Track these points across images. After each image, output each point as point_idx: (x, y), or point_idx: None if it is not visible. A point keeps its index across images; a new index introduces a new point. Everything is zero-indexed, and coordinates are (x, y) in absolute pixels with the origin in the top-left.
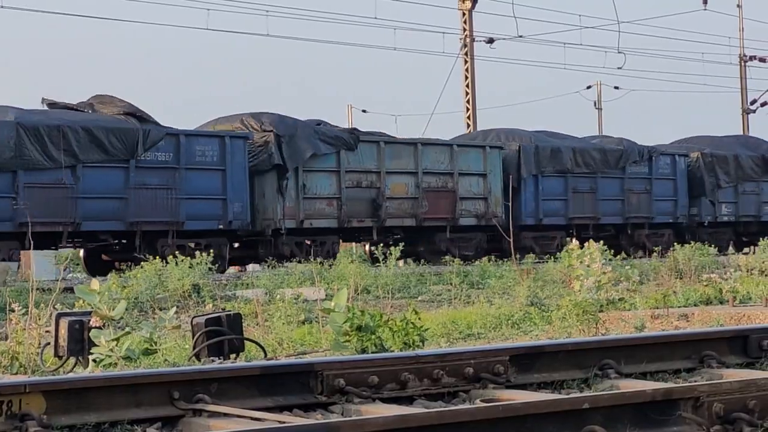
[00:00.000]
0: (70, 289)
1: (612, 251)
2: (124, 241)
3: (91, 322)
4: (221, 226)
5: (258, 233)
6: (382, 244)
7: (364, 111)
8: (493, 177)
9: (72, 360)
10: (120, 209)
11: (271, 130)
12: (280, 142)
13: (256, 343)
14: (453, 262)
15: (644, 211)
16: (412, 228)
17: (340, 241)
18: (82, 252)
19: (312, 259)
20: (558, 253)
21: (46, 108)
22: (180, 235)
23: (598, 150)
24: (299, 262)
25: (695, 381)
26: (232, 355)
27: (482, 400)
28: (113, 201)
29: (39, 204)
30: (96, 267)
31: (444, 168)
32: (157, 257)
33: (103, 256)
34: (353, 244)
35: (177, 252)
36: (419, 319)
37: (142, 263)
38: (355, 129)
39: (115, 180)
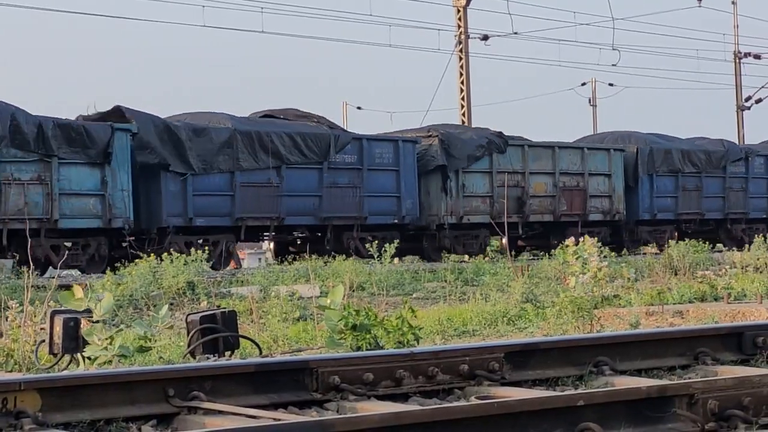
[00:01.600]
0: (66, 287)
1: (711, 245)
2: (318, 234)
3: (83, 325)
4: (396, 221)
5: (423, 228)
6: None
7: (359, 108)
8: (616, 177)
9: (67, 357)
10: (315, 206)
11: (437, 136)
12: (444, 146)
13: (251, 340)
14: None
15: (741, 207)
16: (550, 223)
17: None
18: (272, 244)
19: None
20: (668, 245)
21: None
22: (362, 229)
23: (703, 151)
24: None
25: (690, 378)
26: (227, 353)
27: (477, 397)
28: (309, 198)
29: (251, 201)
30: (284, 258)
31: (576, 169)
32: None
33: (291, 248)
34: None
35: (359, 244)
36: (415, 317)
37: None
38: (502, 133)
39: (311, 180)
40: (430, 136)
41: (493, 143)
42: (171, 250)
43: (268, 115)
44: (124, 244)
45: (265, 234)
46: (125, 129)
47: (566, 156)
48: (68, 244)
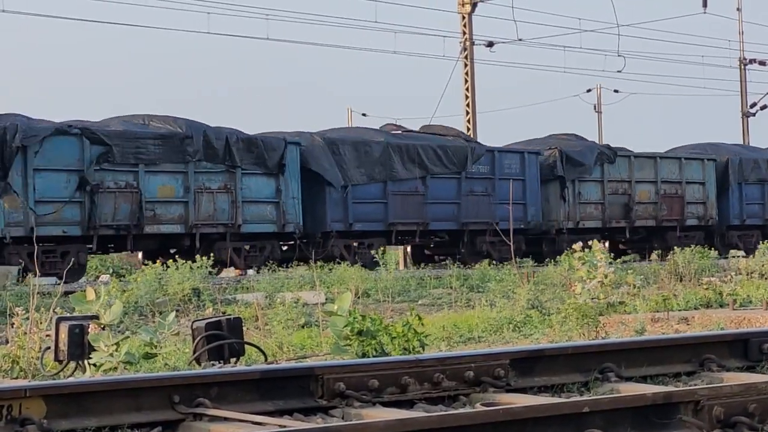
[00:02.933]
0: (72, 293)
1: None
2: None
3: (89, 329)
4: (523, 226)
5: (544, 232)
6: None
7: (364, 114)
8: (709, 184)
9: (72, 364)
10: (454, 212)
11: (557, 148)
12: (562, 158)
13: (257, 347)
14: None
15: None
16: (652, 228)
17: (602, 239)
18: (408, 247)
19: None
20: (757, 248)
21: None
22: (493, 233)
23: None
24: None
25: (695, 384)
26: (233, 359)
27: (483, 404)
28: (450, 205)
29: (401, 208)
30: (420, 259)
31: (675, 177)
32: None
33: (426, 251)
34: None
35: (490, 247)
36: (422, 324)
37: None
38: (609, 145)
39: (451, 188)
40: (550, 148)
41: (604, 154)
42: (333, 251)
43: (407, 129)
44: (285, 247)
45: (407, 237)
46: (295, 143)
47: (666, 166)
48: (247, 247)
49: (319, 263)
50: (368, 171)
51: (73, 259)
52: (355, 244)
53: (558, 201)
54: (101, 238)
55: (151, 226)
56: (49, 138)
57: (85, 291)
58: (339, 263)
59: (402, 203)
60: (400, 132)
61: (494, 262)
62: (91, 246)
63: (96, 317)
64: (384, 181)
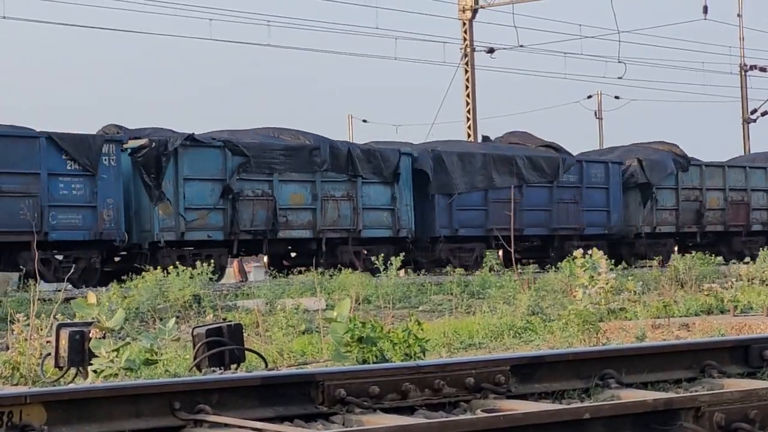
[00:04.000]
0: (72, 299)
1: None
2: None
3: (90, 335)
4: (606, 231)
5: (623, 237)
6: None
7: (364, 121)
8: None
9: (73, 371)
10: (546, 219)
11: (636, 157)
12: (642, 167)
13: (257, 353)
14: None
15: None
16: (720, 232)
17: (675, 244)
18: (500, 252)
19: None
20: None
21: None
22: (581, 238)
23: None
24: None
25: (696, 391)
26: (233, 366)
27: (483, 411)
28: (543, 212)
29: (499, 214)
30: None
31: (741, 185)
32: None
33: (516, 255)
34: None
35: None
36: (422, 330)
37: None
38: (684, 155)
39: (544, 196)
40: (631, 157)
41: (679, 163)
42: (440, 255)
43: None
44: (363, 251)
45: (498, 242)
46: (408, 153)
47: (733, 174)
48: (365, 251)
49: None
50: (471, 180)
51: (215, 262)
52: (459, 247)
53: (638, 207)
54: (240, 242)
55: (284, 231)
56: (196, 149)
57: (86, 296)
58: (444, 266)
59: (500, 210)
60: (494, 142)
61: None
62: (231, 249)
63: (95, 323)
64: (485, 190)
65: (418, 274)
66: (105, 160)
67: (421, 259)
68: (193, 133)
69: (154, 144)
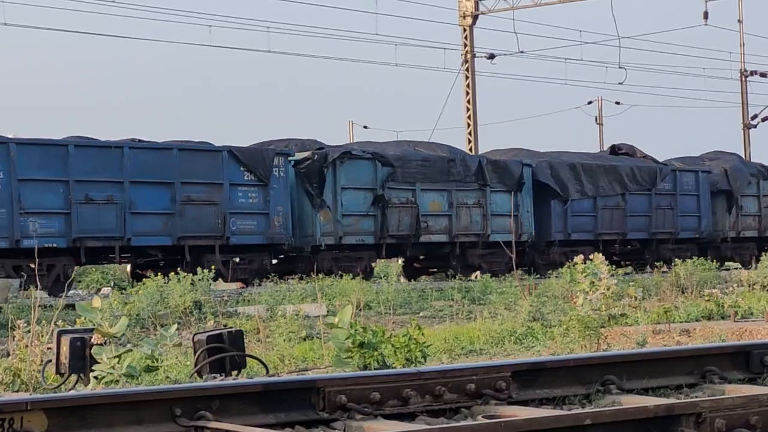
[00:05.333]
0: (73, 306)
1: None
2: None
3: (92, 339)
4: (697, 235)
5: (710, 240)
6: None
7: (365, 127)
8: None
9: (73, 377)
10: (646, 224)
11: (722, 166)
12: (727, 175)
13: (258, 359)
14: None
15: None
16: None
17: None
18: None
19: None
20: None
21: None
22: (675, 242)
23: None
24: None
25: (697, 397)
26: (234, 372)
27: (484, 417)
28: (643, 218)
29: (607, 220)
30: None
31: None
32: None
33: (614, 257)
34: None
35: (672, 254)
36: (422, 335)
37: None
38: (763, 164)
39: (644, 203)
40: (718, 166)
41: (761, 172)
42: (554, 258)
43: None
44: (484, 254)
45: (611, 246)
46: (529, 164)
47: None
48: (487, 253)
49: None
50: (582, 188)
51: (365, 264)
52: (571, 251)
53: (724, 213)
54: (388, 246)
55: (425, 235)
56: (351, 161)
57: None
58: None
59: (608, 216)
60: (607, 154)
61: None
62: (380, 252)
63: (96, 328)
64: (594, 197)
65: (538, 276)
66: (276, 171)
67: (539, 261)
68: (351, 150)
69: (316, 156)
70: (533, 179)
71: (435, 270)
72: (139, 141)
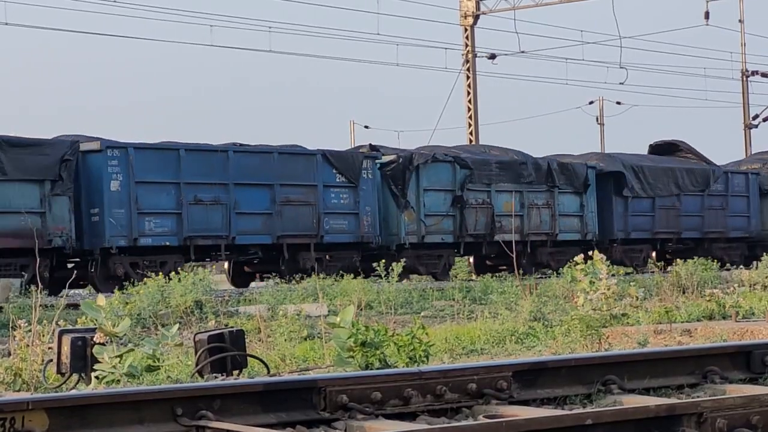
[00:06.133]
0: (74, 305)
1: None
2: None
3: (95, 338)
4: (746, 235)
5: (759, 240)
6: None
7: (366, 127)
8: None
9: (74, 377)
10: (699, 223)
11: None
12: None
13: (259, 359)
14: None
15: None
16: None
17: None
18: (654, 253)
19: None
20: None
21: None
22: (726, 240)
23: None
24: None
25: (698, 396)
26: (235, 372)
27: (485, 416)
28: (696, 218)
29: (663, 220)
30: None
31: None
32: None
33: (667, 255)
34: None
35: (723, 252)
36: (426, 334)
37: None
38: None
39: (697, 203)
40: (765, 168)
41: None
42: (615, 255)
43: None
44: (553, 252)
45: (667, 245)
46: (593, 166)
47: None
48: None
49: None
50: (642, 189)
51: (445, 261)
52: (628, 248)
53: None
54: (466, 245)
55: (499, 235)
56: (433, 164)
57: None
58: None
59: (664, 216)
60: (662, 157)
61: (728, 263)
62: (458, 251)
63: (98, 328)
64: (652, 198)
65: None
66: (364, 173)
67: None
68: (434, 154)
69: (401, 159)
70: (597, 180)
71: (504, 267)
72: (241, 145)
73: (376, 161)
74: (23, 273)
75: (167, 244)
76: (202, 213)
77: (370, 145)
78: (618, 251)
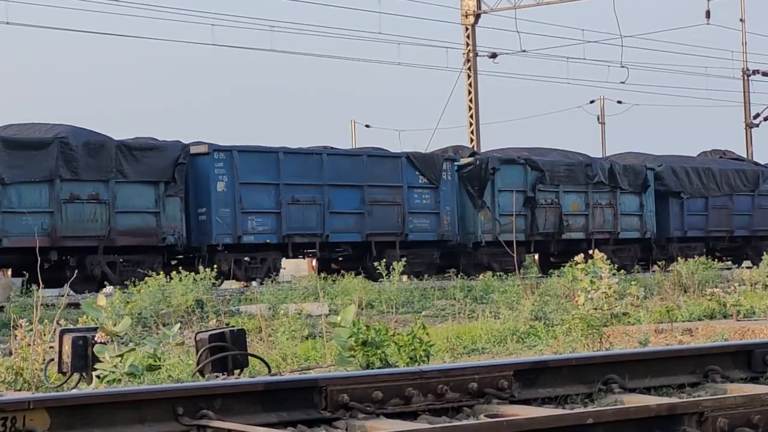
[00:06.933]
0: (75, 305)
1: None
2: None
3: (96, 338)
4: None
5: None
6: None
7: (367, 126)
8: None
9: (76, 376)
10: (747, 222)
11: None
12: None
13: (260, 358)
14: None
15: None
16: None
17: None
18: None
19: None
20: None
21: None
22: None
23: None
24: None
25: (699, 396)
26: (236, 371)
27: (486, 416)
28: (745, 216)
29: (716, 219)
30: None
31: None
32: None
33: (717, 253)
34: None
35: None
36: (427, 333)
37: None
38: None
39: (747, 203)
40: None
41: None
42: (672, 253)
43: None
44: (615, 249)
45: (719, 243)
46: (651, 168)
47: None
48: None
49: None
50: (697, 189)
51: (518, 258)
52: (685, 247)
53: None
54: (536, 243)
55: (567, 233)
56: (507, 166)
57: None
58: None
59: (717, 215)
60: (714, 158)
61: None
62: (529, 249)
63: (99, 327)
64: (706, 198)
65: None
66: (444, 175)
67: (660, 257)
68: (508, 156)
69: (478, 162)
70: (656, 181)
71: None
72: (331, 148)
73: (455, 163)
74: (140, 269)
75: (268, 241)
76: (299, 212)
77: (454, 147)
78: (674, 249)
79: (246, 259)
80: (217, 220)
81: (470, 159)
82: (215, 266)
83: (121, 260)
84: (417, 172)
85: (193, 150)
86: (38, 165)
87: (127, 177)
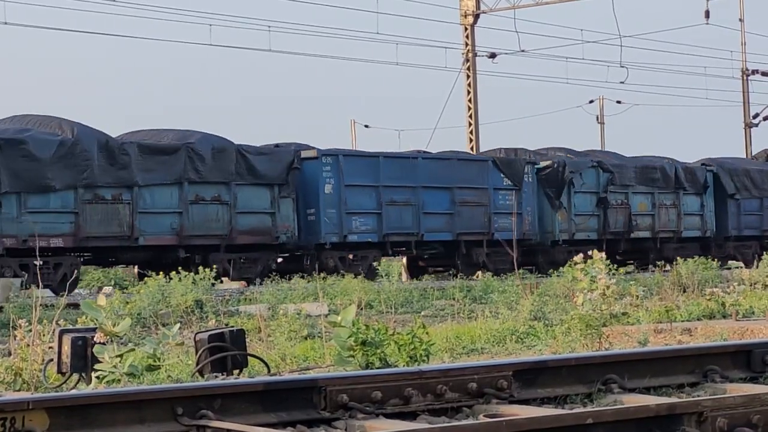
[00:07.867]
0: (74, 305)
1: None
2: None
3: (95, 338)
4: None
5: None
6: None
7: (366, 126)
8: None
9: (75, 376)
10: None
11: None
12: None
13: (260, 358)
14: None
15: None
16: None
17: None
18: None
19: None
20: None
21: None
22: None
23: None
24: None
25: (699, 396)
26: (236, 371)
27: (486, 416)
28: None
29: (756, 219)
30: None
31: None
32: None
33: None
34: None
35: None
36: (427, 333)
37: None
38: None
39: None
40: None
41: None
42: (729, 252)
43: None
44: (677, 248)
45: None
46: (711, 170)
47: None
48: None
49: None
50: (753, 191)
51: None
52: (738, 246)
53: None
54: (608, 242)
55: (635, 233)
56: (582, 169)
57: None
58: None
59: (755, 216)
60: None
61: None
62: (600, 247)
63: (98, 327)
64: (760, 198)
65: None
66: (526, 177)
67: (717, 255)
68: (583, 159)
69: (556, 164)
70: (714, 182)
71: (631, 262)
72: (423, 152)
73: (535, 166)
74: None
75: (369, 240)
76: (397, 213)
77: (526, 149)
78: (731, 247)
79: (350, 256)
80: (325, 221)
81: (549, 162)
82: (322, 263)
83: (241, 258)
84: (501, 175)
85: (304, 154)
86: (169, 169)
87: (246, 180)
